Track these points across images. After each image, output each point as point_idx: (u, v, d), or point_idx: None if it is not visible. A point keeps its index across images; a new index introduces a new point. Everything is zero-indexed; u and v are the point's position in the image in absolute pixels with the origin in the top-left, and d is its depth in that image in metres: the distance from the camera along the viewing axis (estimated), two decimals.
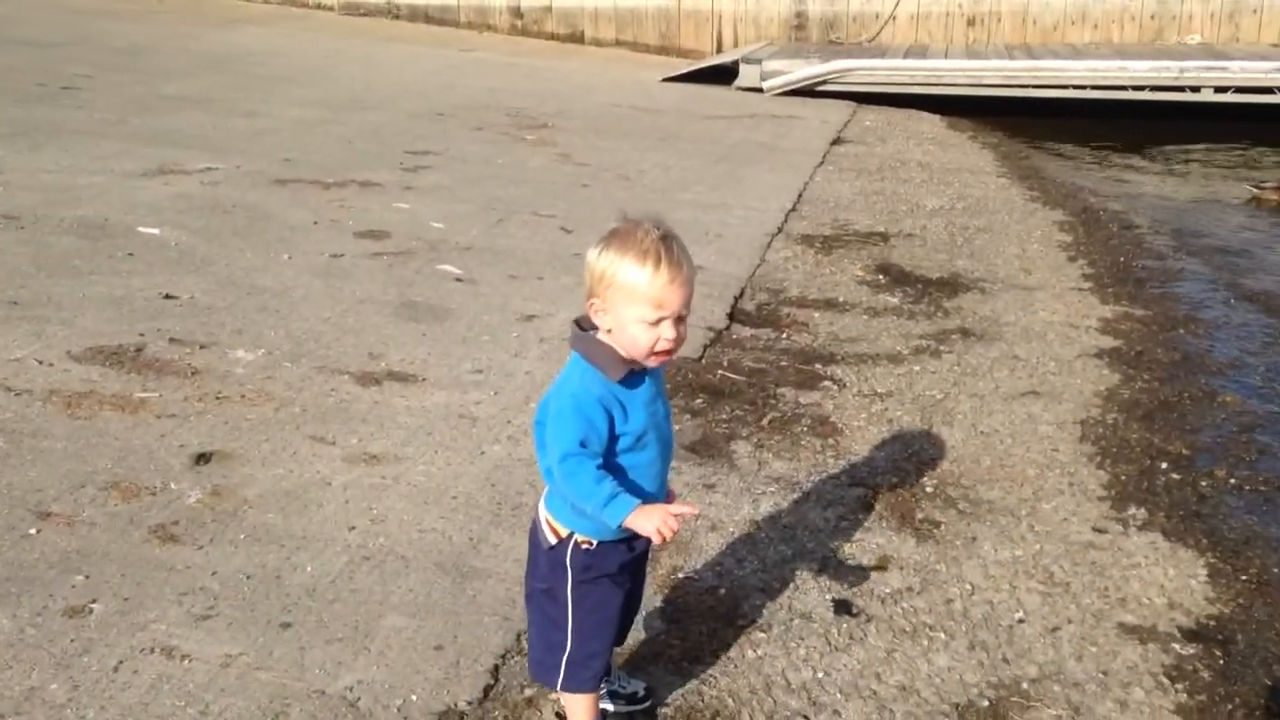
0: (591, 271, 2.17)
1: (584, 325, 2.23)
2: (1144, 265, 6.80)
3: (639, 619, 2.95)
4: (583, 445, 2.16)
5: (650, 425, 2.23)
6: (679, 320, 2.15)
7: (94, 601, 2.85)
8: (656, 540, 2.20)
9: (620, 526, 2.18)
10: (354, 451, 3.73)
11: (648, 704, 2.63)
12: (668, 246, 2.12)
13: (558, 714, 2.57)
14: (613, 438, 2.20)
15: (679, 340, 2.17)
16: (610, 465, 2.21)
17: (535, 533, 2.38)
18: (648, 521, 2.16)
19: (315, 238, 5.95)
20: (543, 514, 2.35)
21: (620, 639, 2.56)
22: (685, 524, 2.25)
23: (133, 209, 6.13)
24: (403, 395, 4.18)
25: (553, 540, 2.32)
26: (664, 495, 2.36)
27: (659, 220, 2.18)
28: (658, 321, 2.13)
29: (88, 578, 2.95)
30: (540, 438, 2.29)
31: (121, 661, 2.65)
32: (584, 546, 2.29)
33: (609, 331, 2.18)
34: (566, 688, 2.41)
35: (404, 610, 2.91)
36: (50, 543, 3.08)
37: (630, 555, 2.36)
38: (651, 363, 2.19)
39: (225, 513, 3.31)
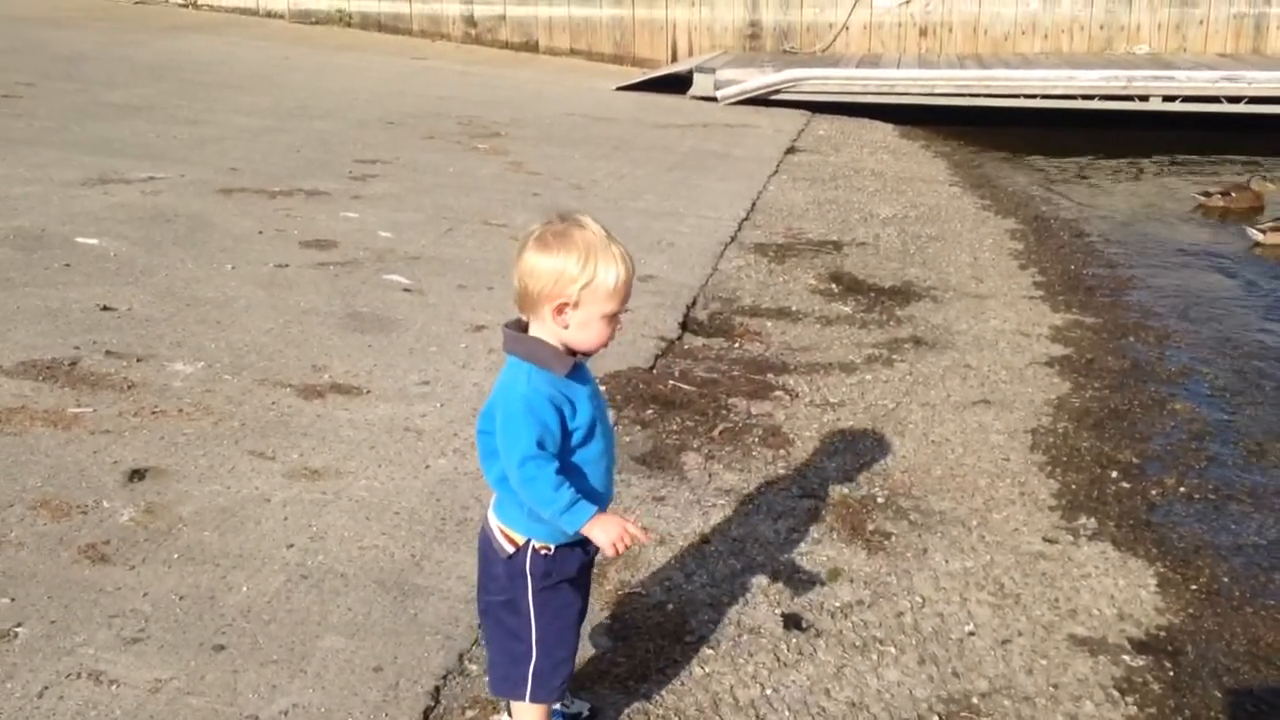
0: (557, 273, 2.14)
1: (518, 329, 2.24)
2: (1094, 273, 6.85)
3: (584, 634, 2.89)
4: (540, 446, 2.15)
5: (597, 417, 2.25)
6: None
7: (19, 625, 2.75)
8: (610, 553, 2.20)
9: (577, 534, 2.19)
10: (294, 466, 3.63)
11: None
12: (616, 241, 2.19)
13: None
14: (565, 434, 2.19)
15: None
16: (565, 465, 2.20)
17: (487, 544, 2.34)
18: (604, 533, 2.18)
19: (259, 248, 5.83)
20: (495, 524, 2.31)
21: None
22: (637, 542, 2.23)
23: (71, 219, 5.98)
24: (346, 408, 4.09)
25: (510, 549, 2.28)
26: (612, 492, 2.37)
27: (591, 216, 2.23)
28: (614, 315, 2.20)
29: (13, 600, 2.84)
30: (485, 447, 2.27)
31: (47, 687, 2.55)
32: (542, 552, 2.26)
33: (565, 328, 2.19)
34: (535, 699, 2.36)
35: (342, 630, 2.83)
36: None
37: (586, 558, 2.34)
38: (595, 351, 2.25)
39: (159, 531, 3.20)
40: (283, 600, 2.93)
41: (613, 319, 2.20)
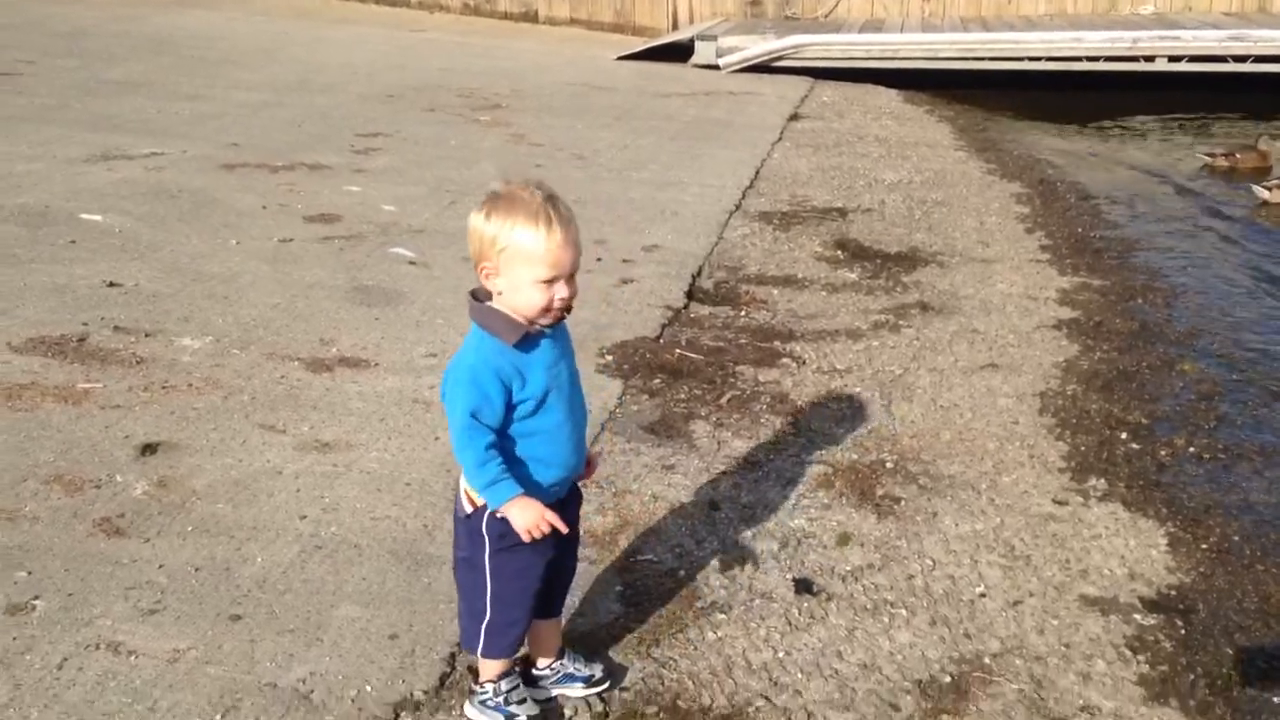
0: (480, 237, 2.18)
1: (479, 296, 2.25)
2: (1101, 235, 6.83)
3: (597, 600, 2.91)
4: (474, 416, 2.18)
5: (552, 387, 2.25)
6: (570, 278, 2.19)
7: (37, 598, 2.77)
8: (525, 538, 2.24)
9: (498, 513, 2.24)
10: (305, 439, 3.65)
11: (606, 686, 2.59)
12: (555, 207, 2.16)
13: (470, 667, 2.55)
14: (511, 406, 2.22)
15: (572, 297, 2.22)
16: (518, 432, 2.24)
17: (456, 501, 2.39)
18: (520, 516, 2.22)
19: (263, 222, 5.83)
20: (461, 484, 2.35)
21: (555, 610, 2.56)
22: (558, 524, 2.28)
23: (75, 195, 5.97)
24: (354, 381, 4.10)
25: (469, 509, 2.33)
26: (583, 461, 2.39)
27: (540, 182, 2.20)
28: (551, 281, 2.17)
29: (30, 574, 2.86)
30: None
31: (66, 659, 2.57)
32: (499, 515, 2.28)
33: (500, 295, 2.20)
34: (486, 654, 2.43)
35: (357, 600, 2.85)
36: None
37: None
38: (546, 321, 2.22)
39: (172, 504, 3.22)
40: (297, 570, 2.95)
41: (550, 285, 2.16)
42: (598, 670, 2.60)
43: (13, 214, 5.59)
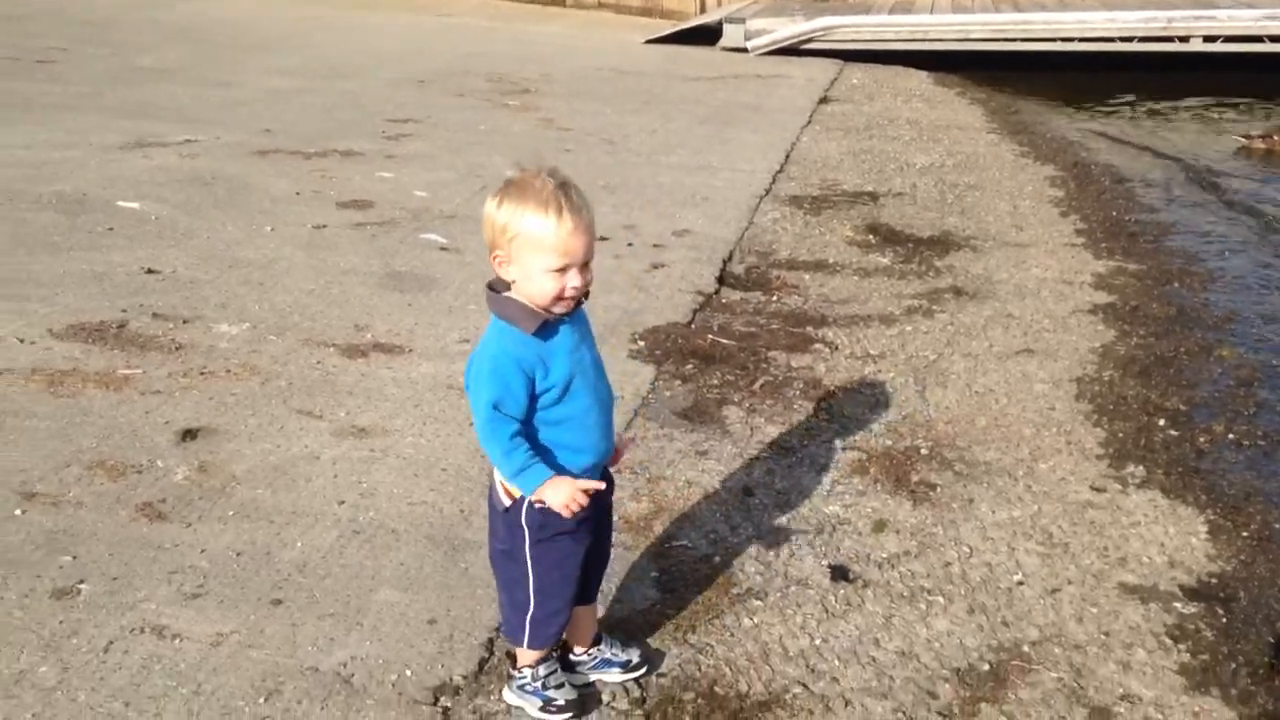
0: (492, 224, 2.17)
1: (496, 288, 2.24)
2: (1137, 219, 6.76)
3: (633, 587, 2.93)
4: (496, 408, 2.18)
5: (575, 372, 2.24)
6: (584, 266, 2.18)
7: (82, 582, 2.81)
8: (566, 515, 2.23)
9: (533, 500, 2.23)
10: (342, 425, 3.67)
11: (644, 671, 2.60)
12: (567, 194, 2.14)
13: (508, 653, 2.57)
14: (535, 395, 2.21)
15: (585, 285, 2.20)
16: (545, 420, 2.24)
17: (492, 495, 2.39)
18: (555, 495, 2.22)
19: (297, 209, 5.86)
20: (496, 476, 2.35)
21: (590, 596, 2.56)
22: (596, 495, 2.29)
23: (111, 183, 6.03)
24: (389, 367, 4.12)
25: (507, 502, 2.32)
26: (612, 446, 2.37)
27: (554, 169, 2.18)
28: (564, 269, 2.15)
29: (75, 558, 2.90)
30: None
31: (111, 642, 2.61)
32: (537, 504, 2.29)
33: (514, 283, 2.19)
34: (532, 646, 2.44)
35: (396, 584, 2.87)
36: (36, 523, 3.03)
37: (584, 512, 2.34)
38: (560, 309, 2.20)
39: (213, 489, 3.25)
40: (337, 555, 2.97)
41: (562, 273, 2.14)
42: (635, 655, 2.62)
43: (51, 201, 5.65)
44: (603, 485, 2.30)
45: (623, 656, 2.60)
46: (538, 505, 2.28)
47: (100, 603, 2.73)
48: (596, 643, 2.60)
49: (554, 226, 2.11)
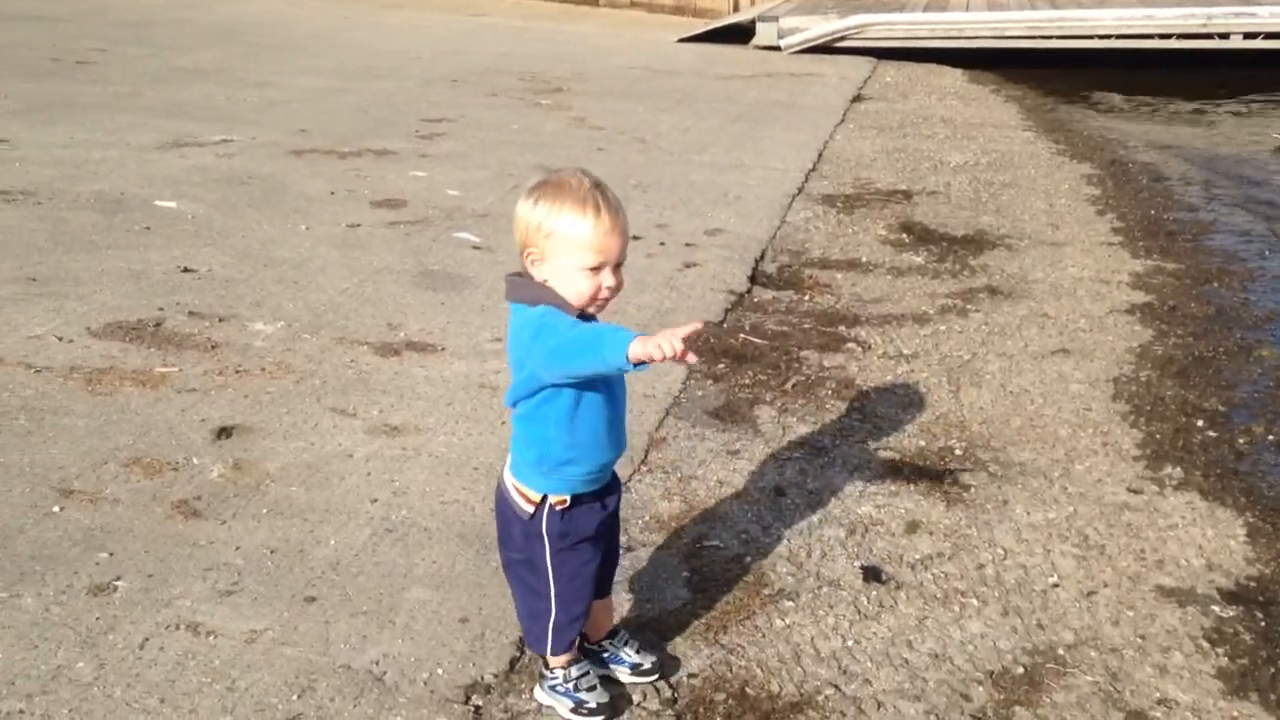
0: (526, 223, 2.16)
1: (523, 275, 2.22)
2: (1175, 218, 6.68)
3: (664, 586, 2.92)
4: (564, 323, 2.13)
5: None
6: (617, 267, 2.16)
7: (118, 579, 2.83)
8: (659, 357, 1.98)
9: (630, 360, 1.99)
10: (375, 423, 3.69)
11: (654, 677, 2.58)
12: (603, 194, 2.13)
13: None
14: (555, 388, 2.19)
15: (618, 286, 2.18)
16: (564, 419, 2.21)
17: (504, 503, 2.37)
18: (648, 342, 1.98)
19: (332, 208, 5.90)
20: (510, 483, 2.34)
21: (605, 590, 2.56)
22: (692, 342, 2.03)
23: (149, 182, 6.09)
24: (422, 365, 4.14)
25: (529, 509, 2.31)
26: (624, 445, 2.36)
27: (586, 170, 2.18)
28: (598, 268, 2.13)
29: (111, 555, 2.93)
30: (517, 380, 2.25)
31: (147, 639, 2.63)
32: (559, 507, 2.28)
33: (545, 283, 2.18)
34: (555, 652, 2.43)
35: (428, 583, 2.88)
36: (73, 520, 3.06)
37: (604, 513, 2.37)
38: (592, 309, 2.19)
39: (247, 487, 3.28)
40: (369, 553, 2.99)
41: (597, 272, 2.13)
42: (648, 661, 2.59)
43: (90, 201, 5.72)
44: (700, 326, 2.16)
45: (634, 659, 2.58)
46: (559, 507, 2.28)
47: (136, 599, 2.76)
48: (611, 636, 2.59)
49: (592, 225, 2.10)
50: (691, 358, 2.01)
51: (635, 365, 2.01)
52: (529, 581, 2.38)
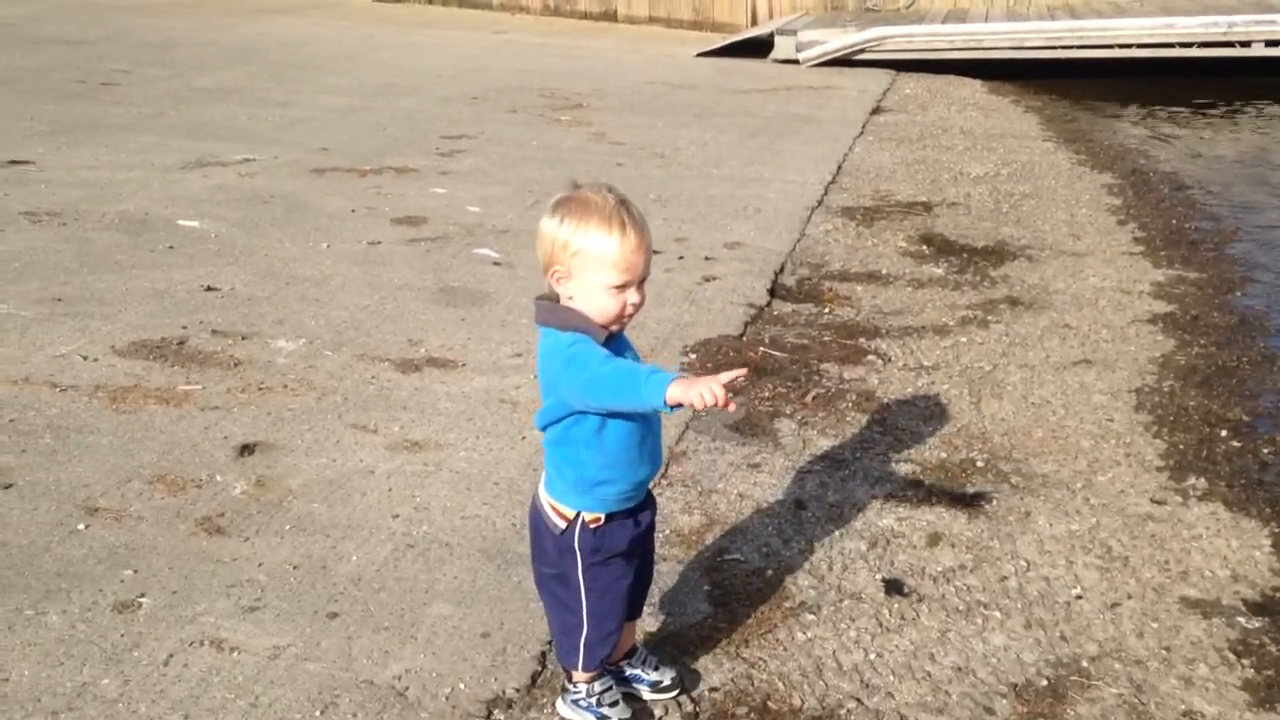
0: (552, 240, 2.16)
1: (550, 298, 2.23)
2: (1197, 227, 6.64)
3: (685, 600, 2.92)
4: (595, 356, 2.13)
5: None
6: (641, 283, 2.17)
7: (143, 595, 2.86)
8: (699, 405, 1.99)
9: (668, 404, 2.00)
10: (396, 439, 3.71)
11: (675, 693, 2.58)
12: (628, 211, 2.13)
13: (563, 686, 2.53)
14: (584, 413, 2.19)
15: (641, 303, 2.19)
16: (595, 438, 2.20)
17: (538, 519, 2.37)
18: (689, 389, 1.99)
19: (353, 225, 5.94)
20: (545, 499, 2.34)
21: (637, 611, 2.55)
22: (734, 385, 2.06)
23: (172, 202, 6.16)
24: (443, 381, 4.16)
25: (561, 525, 2.31)
26: (659, 464, 2.36)
27: (611, 186, 2.18)
28: (624, 286, 2.14)
29: (136, 572, 2.95)
30: (547, 404, 2.25)
31: (171, 655, 2.65)
32: (592, 525, 2.28)
33: (570, 300, 2.18)
34: (587, 668, 2.42)
35: (450, 598, 2.89)
36: (99, 538, 3.09)
37: (638, 530, 2.36)
38: (616, 326, 2.20)
39: (270, 503, 3.30)
40: (391, 569, 3.00)
41: (622, 290, 2.13)
42: (667, 677, 2.59)
43: (114, 221, 5.78)
44: (744, 371, 2.20)
45: (654, 676, 2.58)
46: (593, 525, 2.28)
47: (160, 616, 2.78)
48: (629, 655, 2.59)
49: (618, 243, 2.10)
50: (732, 406, 2.03)
51: (672, 408, 2.03)
52: (561, 596, 2.38)
